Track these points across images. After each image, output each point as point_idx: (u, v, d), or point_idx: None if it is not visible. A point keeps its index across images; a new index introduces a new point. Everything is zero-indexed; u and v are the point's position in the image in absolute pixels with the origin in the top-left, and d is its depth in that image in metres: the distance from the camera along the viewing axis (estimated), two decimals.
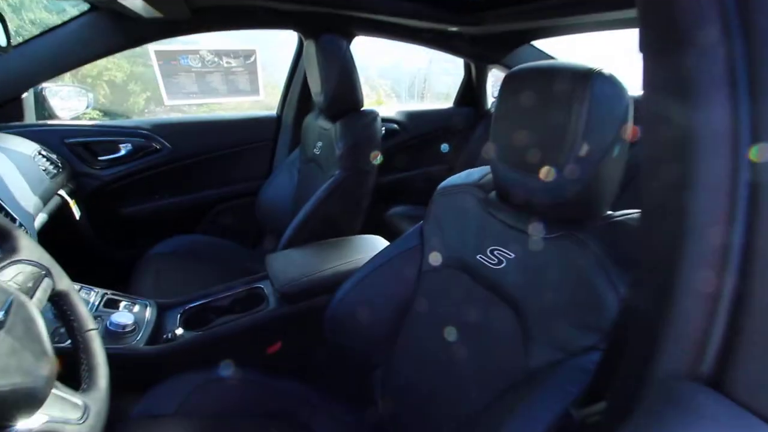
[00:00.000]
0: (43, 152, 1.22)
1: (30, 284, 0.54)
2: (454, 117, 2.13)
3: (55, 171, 1.23)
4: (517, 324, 0.64)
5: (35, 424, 0.46)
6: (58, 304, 0.60)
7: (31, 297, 0.53)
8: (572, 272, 0.58)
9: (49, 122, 1.33)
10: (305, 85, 1.54)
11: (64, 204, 1.23)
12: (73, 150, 1.34)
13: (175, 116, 1.57)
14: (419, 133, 2.02)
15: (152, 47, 1.44)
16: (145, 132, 1.44)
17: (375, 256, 0.87)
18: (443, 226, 0.81)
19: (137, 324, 0.87)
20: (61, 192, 1.21)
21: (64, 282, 0.60)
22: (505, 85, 0.66)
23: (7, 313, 0.45)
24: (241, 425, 0.79)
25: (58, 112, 1.35)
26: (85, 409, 0.53)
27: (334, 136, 1.17)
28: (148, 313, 0.93)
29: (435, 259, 0.80)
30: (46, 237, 1.24)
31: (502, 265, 0.69)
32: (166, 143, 1.47)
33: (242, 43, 1.59)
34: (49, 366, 0.48)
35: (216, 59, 1.52)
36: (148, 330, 0.87)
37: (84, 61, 1.23)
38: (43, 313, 0.74)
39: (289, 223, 1.19)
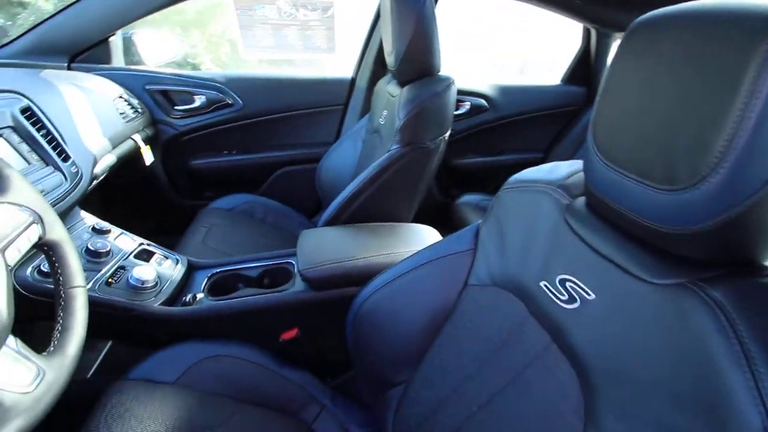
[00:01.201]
0: (125, 96, 1.26)
1: (8, 230, 0.49)
2: (559, 97, 1.79)
3: (134, 115, 1.27)
4: (579, 395, 0.43)
5: None
6: (48, 254, 0.56)
7: (8, 245, 0.49)
8: (688, 350, 0.35)
9: (133, 67, 1.37)
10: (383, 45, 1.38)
11: (138, 149, 1.27)
12: (153, 97, 1.38)
13: (247, 71, 1.54)
14: (511, 112, 1.73)
15: None
16: (218, 85, 1.43)
17: (417, 252, 0.71)
18: (504, 231, 0.61)
19: (160, 280, 0.84)
20: (135, 137, 1.25)
21: (56, 231, 0.56)
22: (628, 40, 0.43)
23: None
24: (238, 410, 0.72)
25: (145, 58, 1.39)
26: (39, 374, 0.47)
27: (397, 105, 1.00)
28: (177, 270, 0.90)
29: (485, 272, 0.62)
30: (117, 179, 1.31)
31: (574, 305, 0.48)
32: (238, 99, 1.45)
33: None
34: None
35: (293, 11, 1.43)
36: (170, 289, 0.84)
37: (167, 3, 1.22)
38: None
39: None
